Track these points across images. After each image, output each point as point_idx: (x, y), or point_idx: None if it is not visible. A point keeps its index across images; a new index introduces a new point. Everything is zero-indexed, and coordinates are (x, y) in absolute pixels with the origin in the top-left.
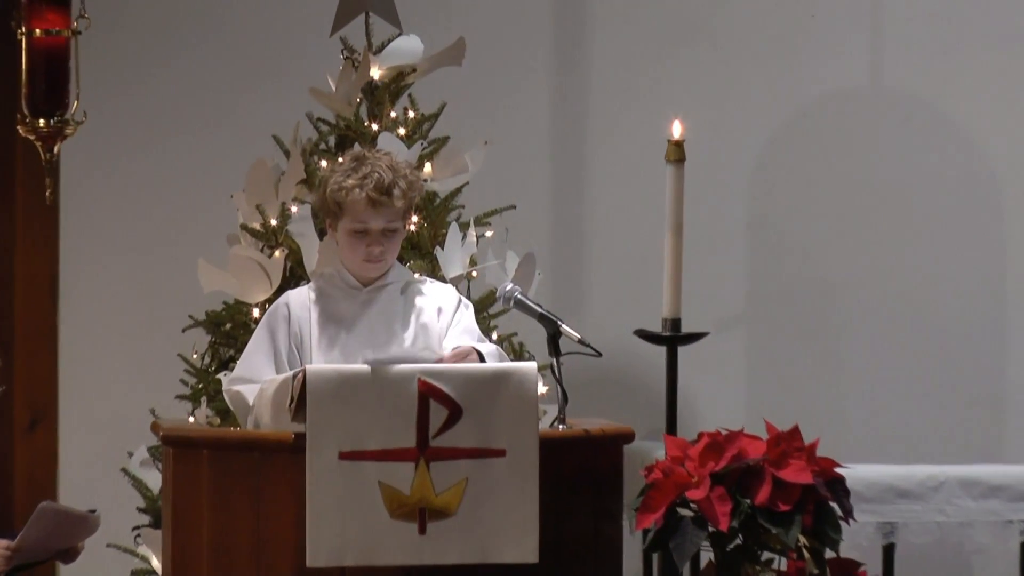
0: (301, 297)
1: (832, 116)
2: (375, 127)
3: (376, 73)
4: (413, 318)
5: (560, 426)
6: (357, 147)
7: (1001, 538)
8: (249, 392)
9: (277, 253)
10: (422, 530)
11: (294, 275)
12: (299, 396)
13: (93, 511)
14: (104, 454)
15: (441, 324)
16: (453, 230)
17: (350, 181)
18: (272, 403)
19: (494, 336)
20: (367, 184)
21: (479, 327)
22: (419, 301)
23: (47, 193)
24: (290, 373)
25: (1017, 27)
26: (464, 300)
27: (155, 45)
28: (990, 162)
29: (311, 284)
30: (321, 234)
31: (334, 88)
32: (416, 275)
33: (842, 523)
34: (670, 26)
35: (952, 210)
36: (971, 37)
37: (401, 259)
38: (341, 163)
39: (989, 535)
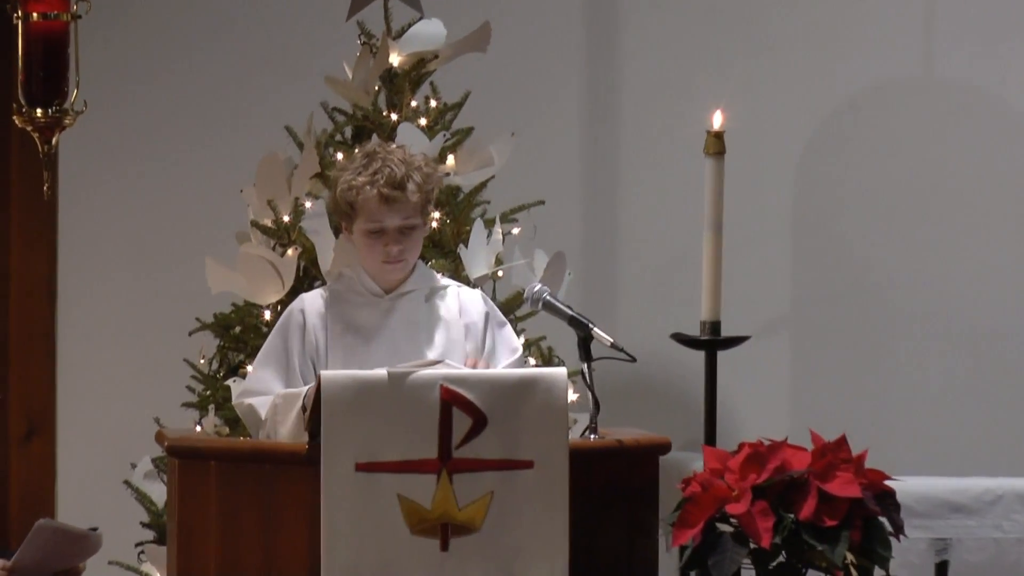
0: (317, 303)
1: (882, 107)
2: (394, 117)
3: (395, 60)
4: (439, 330)
5: (591, 436)
6: (375, 139)
7: None
8: (261, 405)
9: (290, 251)
10: (444, 547)
11: (308, 275)
12: (313, 404)
13: (94, 529)
14: (105, 466)
15: (471, 345)
16: (478, 227)
17: (360, 179)
18: (287, 418)
19: (521, 339)
20: (378, 180)
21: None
22: (445, 312)
23: (44, 188)
24: (304, 389)
25: None
26: (498, 316)
27: (160, 31)
28: None
29: (327, 287)
30: (336, 231)
31: (350, 76)
32: (440, 277)
33: (892, 539)
34: (708, 11)
35: (1010, 208)
36: None
37: (423, 258)
38: (351, 161)
39: None
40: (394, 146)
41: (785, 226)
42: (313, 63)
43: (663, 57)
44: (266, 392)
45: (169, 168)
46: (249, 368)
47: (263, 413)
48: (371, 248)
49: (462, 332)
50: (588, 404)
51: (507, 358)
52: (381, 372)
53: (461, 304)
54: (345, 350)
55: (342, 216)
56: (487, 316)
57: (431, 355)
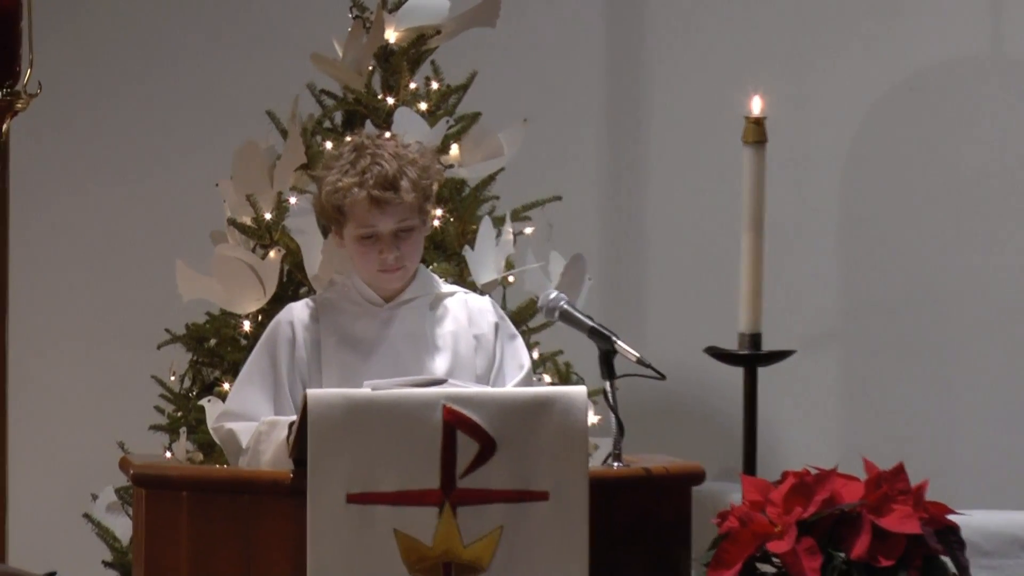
0: (306, 314)
1: (944, 90)
2: (390, 101)
3: (392, 36)
4: (446, 343)
5: (615, 464)
6: (369, 127)
7: None
8: (243, 432)
9: (272, 253)
10: None
11: (292, 280)
12: (299, 427)
13: (52, 574)
14: (63, 498)
15: (482, 360)
16: (485, 226)
17: (347, 179)
18: (270, 447)
19: (535, 355)
20: (367, 181)
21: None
22: (452, 322)
23: None
24: (293, 417)
25: None
26: (509, 328)
27: (124, 1)
28: None
29: (317, 295)
30: (325, 231)
31: (341, 54)
32: (443, 282)
33: None
34: None
35: None
36: None
37: (425, 261)
38: (337, 157)
39: None
40: (387, 136)
41: (834, 225)
42: (299, 40)
43: (696, 34)
44: (250, 415)
45: (135, 158)
46: (227, 386)
47: (244, 441)
48: (364, 256)
49: (472, 345)
50: (611, 427)
51: (514, 375)
52: (376, 390)
53: (470, 313)
54: (341, 367)
55: (330, 221)
56: (497, 327)
57: (438, 371)
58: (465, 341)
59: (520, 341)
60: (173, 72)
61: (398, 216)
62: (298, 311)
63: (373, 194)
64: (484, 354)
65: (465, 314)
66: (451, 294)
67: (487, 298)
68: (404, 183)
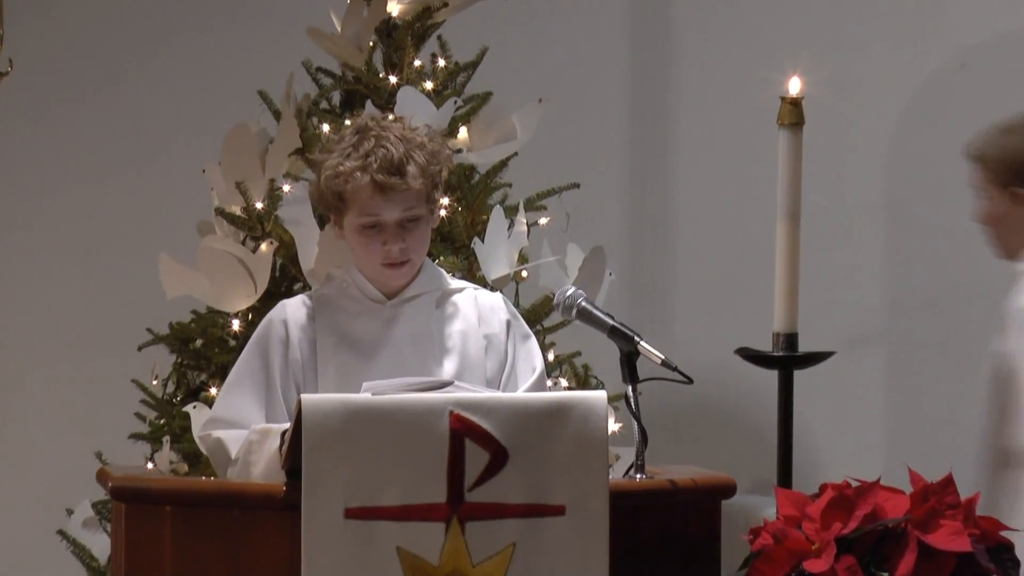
0: (302, 311)
1: (996, 68)
2: (393, 79)
3: (395, 8)
4: (454, 344)
5: (638, 476)
6: (369, 108)
7: None
8: (232, 441)
9: (263, 246)
10: None
11: (286, 275)
12: (292, 435)
13: None
14: (35, 513)
15: (493, 362)
16: (497, 216)
17: (349, 163)
18: (261, 458)
19: (550, 356)
20: (371, 165)
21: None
22: (461, 321)
23: None
24: (286, 425)
25: None
26: (522, 327)
27: None
28: None
29: (313, 292)
30: (322, 221)
31: (339, 28)
32: (451, 277)
33: None
34: None
35: None
36: None
37: (431, 255)
38: (338, 140)
39: None
40: (391, 118)
41: (877, 215)
42: (293, 12)
43: (729, 7)
44: (239, 422)
45: (114, 143)
46: (214, 391)
47: (234, 451)
48: (367, 248)
49: (482, 346)
50: (633, 436)
51: (527, 379)
52: (376, 395)
53: (480, 311)
54: (339, 369)
55: (330, 209)
56: (509, 326)
57: (445, 374)
58: (474, 341)
59: (534, 342)
60: (155, 49)
61: (404, 204)
62: (292, 308)
63: (377, 179)
64: (495, 355)
65: (475, 312)
66: (459, 290)
67: (498, 295)
68: (411, 168)
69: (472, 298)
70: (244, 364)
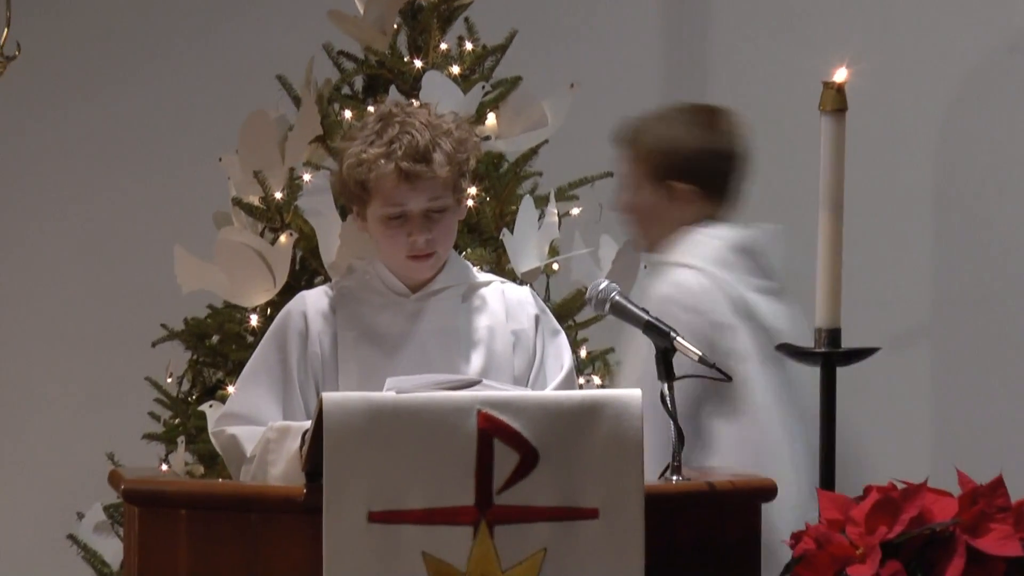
0: (322, 304)
1: None
2: (418, 64)
3: None
4: (481, 340)
5: (674, 478)
6: (393, 94)
7: None
8: (247, 438)
9: (283, 238)
10: None
11: (306, 268)
12: (313, 435)
13: None
14: (45, 516)
15: (521, 359)
16: (526, 206)
17: (373, 150)
18: (280, 457)
19: (582, 352)
20: (396, 152)
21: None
22: (489, 316)
23: None
24: (307, 423)
25: None
26: (551, 322)
27: None
28: None
29: (334, 283)
30: (343, 212)
31: (362, 11)
32: (478, 270)
33: None
34: None
35: None
36: None
37: (457, 247)
38: (361, 128)
39: None
40: (416, 105)
41: (925, 205)
42: None
43: None
44: (255, 418)
45: (126, 131)
46: (231, 389)
47: (249, 449)
48: (391, 239)
49: (509, 342)
50: (670, 436)
51: (556, 376)
52: (400, 393)
53: (508, 306)
54: (361, 364)
55: (352, 199)
56: (538, 321)
57: (471, 371)
58: (502, 337)
59: (563, 337)
60: (170, 33)
61: (430, 193)
62: (312, 300)
63: (403, 166)
64: (523, 352)
65: (502, 307)
66: (486, 284)
67: (526, 288)
68: (437, 155)
69: (499, 292)
70: (260, 357)
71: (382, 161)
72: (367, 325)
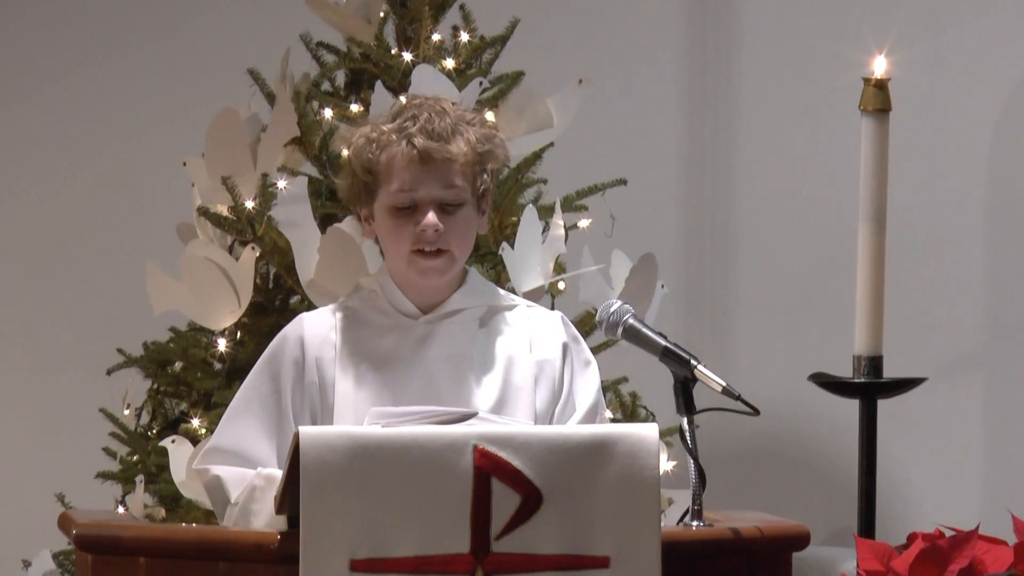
0: (323, 328)
1: None
2: (407, 57)
3: None
4: (497, 370)
5: (694, 523)
6: (379, 89)
7: None
8: (234, 482)
9: (245, 252)
10: None
11: (281, 287)
12: (289, 474)
13: None
14: None
15: (543, 393)
16: (529, 217)
17: (385, 127)
18: (265, 507)
19: None
20: (408, 128)
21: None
22: (510, 344)
23: None
24: None
25: None
26: (584, 352)
27: None
28: None
29: (338, 304)
30: (323, 222)
31: None
32: (502, 292)
33: None
34: None
35: None
36: None
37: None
38: (371, 121)
39: None
40: (437, 97)
41: (977, 217)
42: None
43: None
44: (244, 453)
45: (81, 132)
46: (195, 423)
47: (234, 494)
48: (397, 232)
49: (531, 373)
50: (689, 476)
51: (579, 412)
52: (387, 427)
53: (533, 333)
54: (363, 394)
55: (358, 196)
56: (566, 350)
57: (483, 404)
58: (522, 367)
59: (595, 369)
60: (130, 22)
61: (445, 180)
62: (310, 323)
63: (416, 143)
64: (547, 384)
65: (526, 333)
66: (509, 307)
67: (557, 314)
68: (459, 139)
69: (525, 317)
70: (252, 387)
71: (394, 137)
72: (369, 350)
